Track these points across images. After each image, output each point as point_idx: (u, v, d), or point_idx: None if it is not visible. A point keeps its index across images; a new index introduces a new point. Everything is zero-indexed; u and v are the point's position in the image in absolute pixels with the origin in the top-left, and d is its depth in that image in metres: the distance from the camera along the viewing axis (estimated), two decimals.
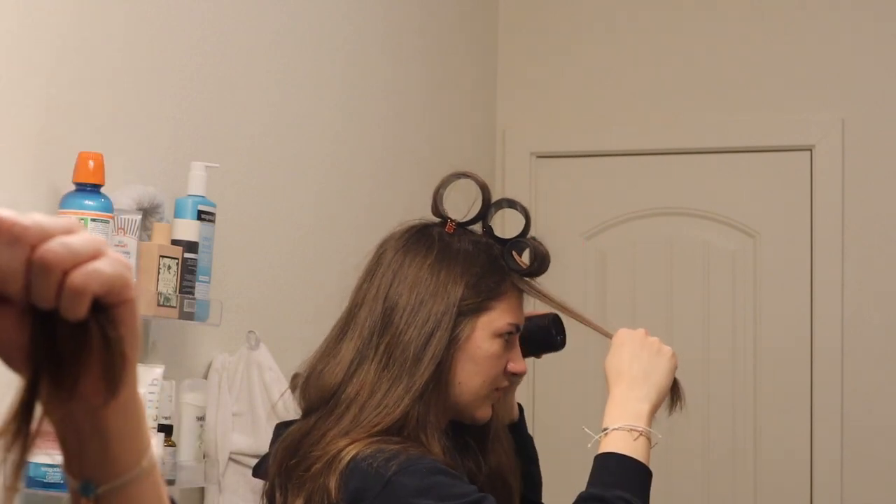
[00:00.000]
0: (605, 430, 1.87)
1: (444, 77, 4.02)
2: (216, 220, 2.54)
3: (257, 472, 2.04)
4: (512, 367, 1.95)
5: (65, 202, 2.17)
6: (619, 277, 4.28)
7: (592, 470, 1.86)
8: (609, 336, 2.01)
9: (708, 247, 4.22)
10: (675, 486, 4.16)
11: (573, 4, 4.39)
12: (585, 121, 4.35)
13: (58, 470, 2.12)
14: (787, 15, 4.18)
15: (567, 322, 2.10)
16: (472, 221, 1.98)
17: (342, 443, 1.82)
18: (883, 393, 4.01)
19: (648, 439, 1.87)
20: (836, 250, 4.07)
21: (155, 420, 2.31)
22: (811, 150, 4.13)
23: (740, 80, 4.20)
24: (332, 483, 1.79)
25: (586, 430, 1.90)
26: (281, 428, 2.00)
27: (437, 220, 1.99)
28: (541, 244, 1.96)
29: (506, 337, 1.93)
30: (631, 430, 1.86)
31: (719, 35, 4.24)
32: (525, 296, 1.98)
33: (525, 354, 2.00)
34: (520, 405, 2.15)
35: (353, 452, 1.80)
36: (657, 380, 1.90)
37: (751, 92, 4.19)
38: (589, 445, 1.89)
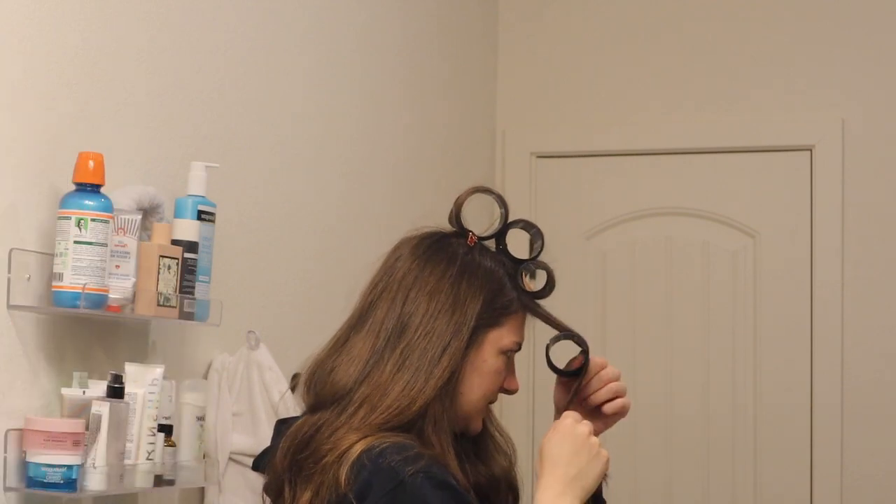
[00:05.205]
0: None
1: (444, 77, 4.02)
2: (216, 220, 2.54)
3: (257, 465, 2.04)
4: (507, 384, 2.01)
5: (65, 202, 2.17)
6: (619, 277, 4.28)
7: None
8: (582, 342, 1.99)
9: (708, 247, 4.22)
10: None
11: (573, 5, 4.39)
12: (585, 121, 4.35)
13: (58, 470, 2.12)
14: (787, 15, 4.18)
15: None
16: (490, 238, 2.01)
17: (353, 437, 1.84)
18: (883, 391, 4.01)
19: None
20: (836, 250, 4.07)
21: (155, 420, 2.31)
22: (811, 150, 4.12)
23: (741, 80, 4.20)
24: (342, 475, 1.81)
25: None
26: (281, 424, 2.01)
27: (452, 229, 2.01)
28: (552, 268, 2.01)
29: (509, 354, 1.98)
30: None
31: (719, 35, 4.24)
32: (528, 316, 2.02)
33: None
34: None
35: (364, 446, 1.82)
36: (586, 483, 1.90)
37: (751, 92, 4.19)
38: None
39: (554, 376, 2.08)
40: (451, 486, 1.81)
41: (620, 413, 2.05)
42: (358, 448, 1.82)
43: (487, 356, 1.95)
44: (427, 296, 1.93)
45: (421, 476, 1.78)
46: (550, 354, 2.01)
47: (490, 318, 1.94)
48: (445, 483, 1.80)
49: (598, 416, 2.02)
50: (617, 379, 2.04)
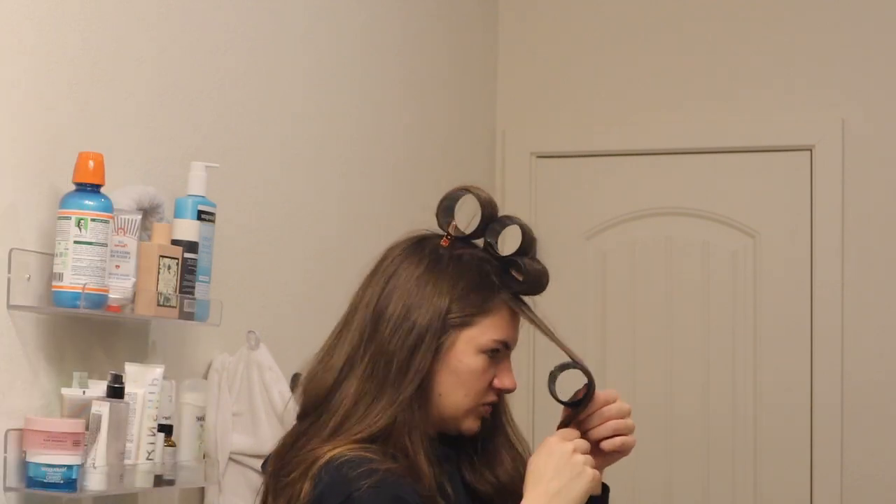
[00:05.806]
0: None
1: (444, 78, 4.02)
2: (216, 220, 2.54)
3: (263, 468, 2.05)
4: (497, 383, 1.95)
5: (65, 202, 2.17)
6: (619, 277, 4.28)
7: None
8: (588, 375, 1.95)
9: (708, 247, 4.22)
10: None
11: (573, 5, 4.39)
12: (585, 121, 4.35)
13: (58, 470, 2.12)
14: (787, 15, 4.18)
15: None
16: (472, 236, 1.97)
17: (322, 449, 1.84)
18: (883, 391, 4.01)
19: None
20: (836, 250, 4.07)
21: (155, 420, 2.31)
22: (811, 150, 4.13)
23: (741, 80, 4.20)
24: (305, 487, 1.82)
25: None
26: None
27: (441, 232, 1.98)
28: (537, 263, 1.94)
29: (490, 353, 1.92)
30: None
31: (719, 36, 4.24)
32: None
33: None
34: (605, 485, 2.03)
35: (327, 458, 1.82)
36: (569, 500, 1.86)
37: (751, 92, 4.19)
38: None
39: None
40: (403, 500, 1.79)
41: (620, 452, 1.96)
42: (322, 461, 1.82)
43: (463, 356, 1.90)
44: (395, 298, 1.90)
45: (371, 491, 1.77)
46: (556, 382, 1.93)
47: (462, 316, 1.90)
48: (397, 497, 1.78)
49: (598, 452, 1.94)
50: (622, 416, 1.95)
